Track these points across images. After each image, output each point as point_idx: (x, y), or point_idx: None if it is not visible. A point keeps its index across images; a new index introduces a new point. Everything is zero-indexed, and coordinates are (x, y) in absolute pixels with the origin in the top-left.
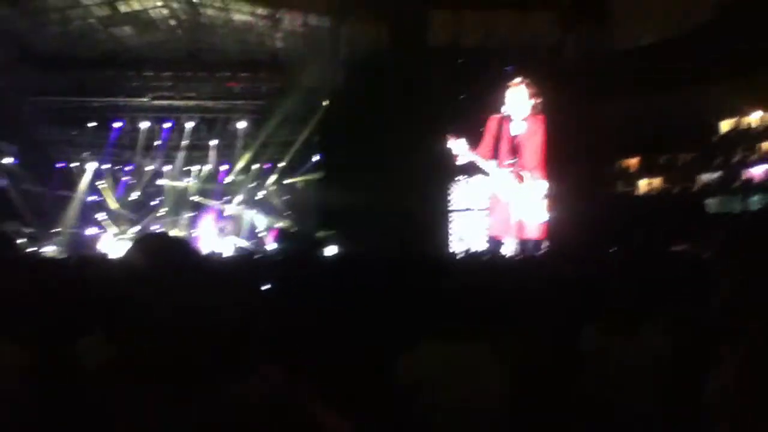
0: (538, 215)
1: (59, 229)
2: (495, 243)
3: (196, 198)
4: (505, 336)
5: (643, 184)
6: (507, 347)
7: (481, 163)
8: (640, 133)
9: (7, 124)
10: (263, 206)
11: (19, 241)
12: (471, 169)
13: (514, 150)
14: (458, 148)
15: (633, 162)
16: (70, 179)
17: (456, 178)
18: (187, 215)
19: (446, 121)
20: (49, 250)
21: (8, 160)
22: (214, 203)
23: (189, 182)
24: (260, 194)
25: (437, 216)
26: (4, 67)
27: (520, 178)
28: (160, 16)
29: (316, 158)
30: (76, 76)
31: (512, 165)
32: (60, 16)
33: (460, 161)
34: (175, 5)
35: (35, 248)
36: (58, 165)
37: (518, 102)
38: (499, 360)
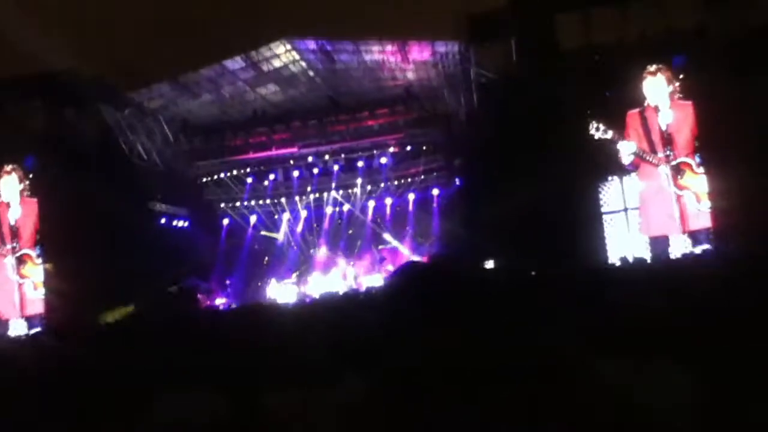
0: (702, 205)
1: (230, 281)
2: (659, 242)
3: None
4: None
5: None
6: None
7: (647, 157)
8: None
9: (177, 190)
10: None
11: (199, 295)
12: (627, 168)
13: (666, 141)
14: (625, 147)
15: None
16: (236, 233)
17: (606, 180)
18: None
19: (593, 122)
20: (221, 301)
21: (182, 223)
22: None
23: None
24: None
25: (592, 223)
26: (171, 140)
27: (678, 169)
28: (300, 69)
29: (458, 182)
30: (232, 137)
31: (667, 156)
32: (212, 86)
33: (625, 160)
34: (311, 57)
35: (211, 300)
36: (224, 222)
37: (659, 91)
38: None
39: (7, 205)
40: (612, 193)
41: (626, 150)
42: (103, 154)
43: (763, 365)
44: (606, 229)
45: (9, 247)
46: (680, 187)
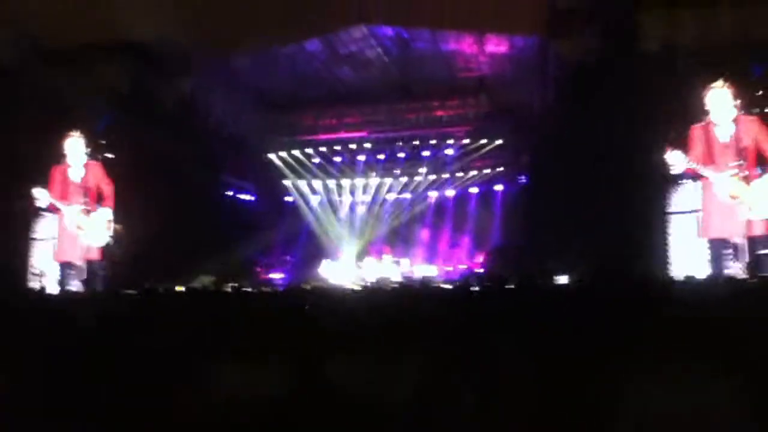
0: (754, 214)
1: (289, 258)
2: (716, 244)
3: None
4: None
5: None
6: None
7: (701, 170)
8: None
9: (246, 163)
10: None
11: (258, 269)
12: (685, 177)
13: (724, 153)
14: (675, 158)
15: None
16: (298, 211)
17: (672, 186)
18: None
19: (661, 128)
20: (279, 276)
21: (248, 197)
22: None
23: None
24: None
25: (658, 226)
26: (244, 113)
27: (744, 180)
28: (375, 55)
29: (523, 180)
30: (303, 116)
31: (732, 168)
32: (289, 63)
33: (676, 170)
34: (387, 43)
35: (268, 275)
36: (287, 199)
37: (724, 104)
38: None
39: (71, 165)
40: (682, 195)
41: (676, 161)
42: (178, 122)
43: None
44: (672, 230)
45: (74, 203)
46: (734, 197)
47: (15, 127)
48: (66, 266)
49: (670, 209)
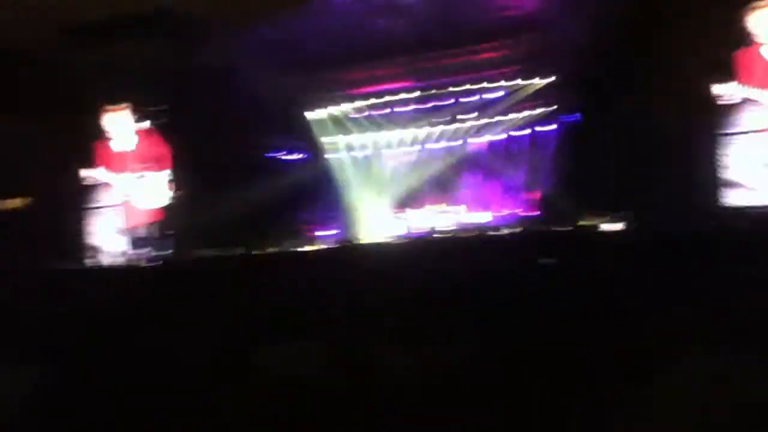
0: None
1: (334, 214)
2: None
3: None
4: None
5: None
6: None
7: (758, 96)
8: None
9: (288, 123)
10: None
11: (306, 228)
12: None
13: None
14: (729, 89)
15: None
16: (343, 168)
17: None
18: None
19: (712, 59)
20: (326, 233)
21: (294, 156)
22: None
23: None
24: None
25: (713, 161)
26: (283, 75)
27: None
28: (411, 1)
29: (573, 119)
30: (343, 71)
31: None
32: (323, 17)
33: (733, 101)
34: None
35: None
36: (332, 155)
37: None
38: None
39: (120, 137)
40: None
41: (731, 91)
42: (218, 89)
43: None
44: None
45: (127, 172)
46: None
47: (52, 108)
48: (131, 232)
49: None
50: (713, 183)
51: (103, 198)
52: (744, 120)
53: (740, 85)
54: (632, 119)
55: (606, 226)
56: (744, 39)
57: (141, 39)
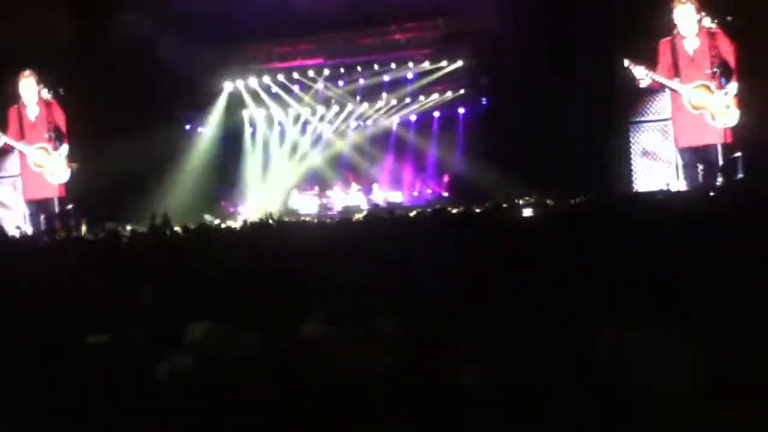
0: (728, 120)
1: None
2: (686, 153)
3: None
4: None
5: None
6: None
7: (666, 82)
8: None
9: (201, 98)
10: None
11: (223, 202)
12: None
13: (689, 65)
14: (638, 72)
15: None
16: (258, 143)
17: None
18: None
19: (620, 45)
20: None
21: (206, 131)
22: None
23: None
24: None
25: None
26: (198, 47)
27: (697, 91)
28: None
29: (484, 102)
30: (257, 47)
31: (688, 78)
32: None
33: (642, 84)
34: None
35: (234, 208)
36: (247, 131)
37: (689, 19)
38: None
39: (27, 105)
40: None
41: (640, 75)
42: (126, 61)
43: None
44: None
45: (33, 142)
46: (696, 108)
47: None
48: (34, 204)
49: (636, 119)
50: (615, 168)
51: (11, 165)
52: (650, 108)
53: (649, 72)
54: (541, 104)
55: (513, 208)
56: (662, 30)
57: (49, 8)
